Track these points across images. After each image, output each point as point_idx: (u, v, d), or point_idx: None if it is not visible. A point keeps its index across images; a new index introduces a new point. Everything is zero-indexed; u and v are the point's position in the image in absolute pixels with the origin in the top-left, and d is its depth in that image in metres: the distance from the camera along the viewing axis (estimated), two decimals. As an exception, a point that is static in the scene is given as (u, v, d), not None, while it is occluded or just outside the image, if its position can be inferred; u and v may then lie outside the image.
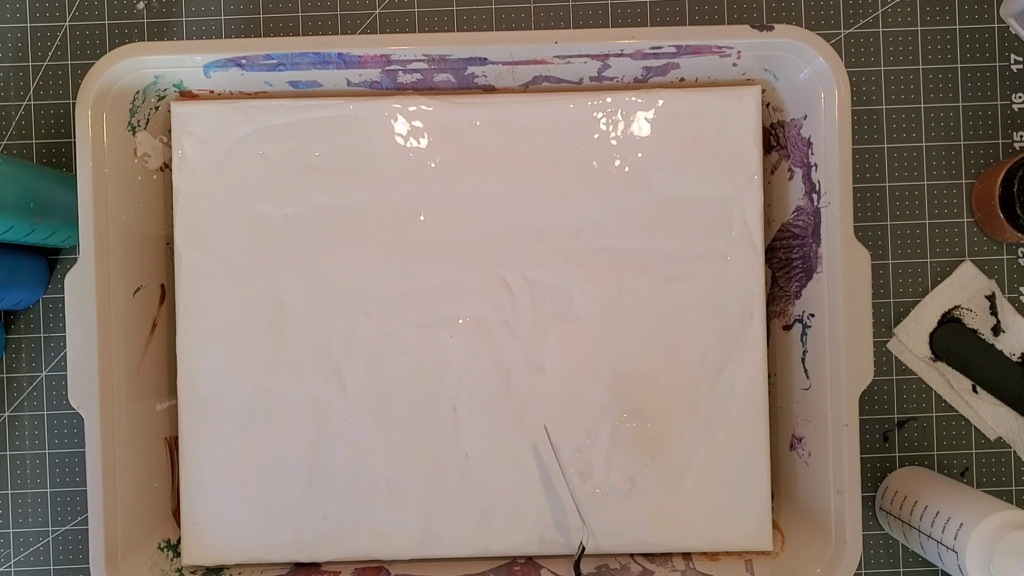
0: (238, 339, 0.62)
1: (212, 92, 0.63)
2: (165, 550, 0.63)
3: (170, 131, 0.63)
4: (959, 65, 0.68)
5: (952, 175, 0.68)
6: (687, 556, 0.63)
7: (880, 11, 0.68)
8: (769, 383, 0.64)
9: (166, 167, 0.65)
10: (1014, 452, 0.67)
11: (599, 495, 0.62)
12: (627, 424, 0.62)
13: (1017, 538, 0.54)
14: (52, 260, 0.68)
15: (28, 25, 0.68)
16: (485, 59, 0.60)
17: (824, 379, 0.59)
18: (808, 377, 0.61)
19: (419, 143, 0.63)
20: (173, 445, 0.65)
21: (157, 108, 0.63)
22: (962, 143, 0.68)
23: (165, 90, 0.62)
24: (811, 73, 0.59)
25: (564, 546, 0.62)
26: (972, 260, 0.67)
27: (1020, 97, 0.68)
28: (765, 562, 0.62)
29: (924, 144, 0.68)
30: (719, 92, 0.62)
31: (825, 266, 0.59)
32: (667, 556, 0.63)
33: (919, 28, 0.68)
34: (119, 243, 0.60)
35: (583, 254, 0.62)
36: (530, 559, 0.63)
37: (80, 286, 0.58)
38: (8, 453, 0.68)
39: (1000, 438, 0.67)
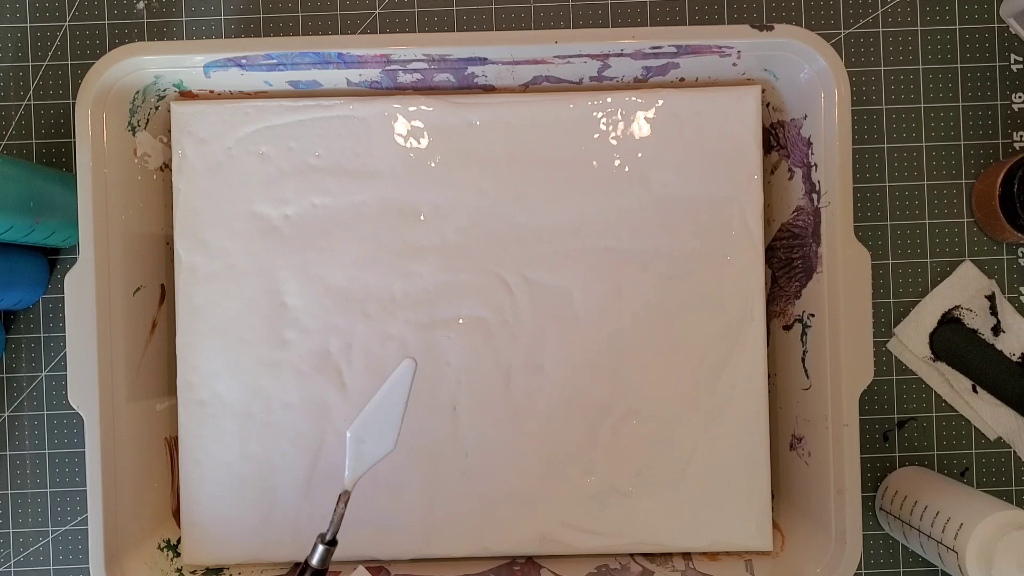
0: (238, 339, 0.62)
1: (212, 92, 0.63)
2: (165, 550, 0.63)
3: (170, 131, 0.63)
4: (959, 65, 0.68)
5: (952, 175, 0.68)
6: (687, 556, 0.63)
7: (880, 11, 0.68)
8: (769, 383, 0.64)
9: (166, 167, 0.65)
10: (1014, 452, 0.67)
11: (599, 495, 0.62)
12: (627, 424, 0.62)
13: (1017, 538, 0.54)
14: (52, 260, 0.68)
15: (28, 25, 0.68)
16: (485, 59, 0.60)
17: (824, 379, 0.59)
18: (808, 377, 0.61)
19: (419, 143, 0.63)
20: (173, 445, 0.65)
21: (157, 108, 0.63)
22: (962, 143, 0.68)
23: (165, 90, 0.62)
24: (811, 73, 0.59)
25: (564, 546, 0.62)
26: (972, 260, 0.67)
27: (1020, 97, 0.68)
28: (765, 562, 0.62)
29: (924, 144, 0.68)
30: (719, 92, 0.62)
31: (825, 266, 0.59)
32: (667, 556, 0.63)
33: (919, 28, 0.68)
34: (119, 243, 0.60)
35: (583, 254, 0.62)
36: (530, 559, 0.63)
37: (80, 286, 0.58)
38: (8, 453, 0.68)
39: (1000, 438, 0.67)
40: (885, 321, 0.68)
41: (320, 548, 0.53)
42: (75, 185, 0.59)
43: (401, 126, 0.63)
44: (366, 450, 0.54)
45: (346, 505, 0.54)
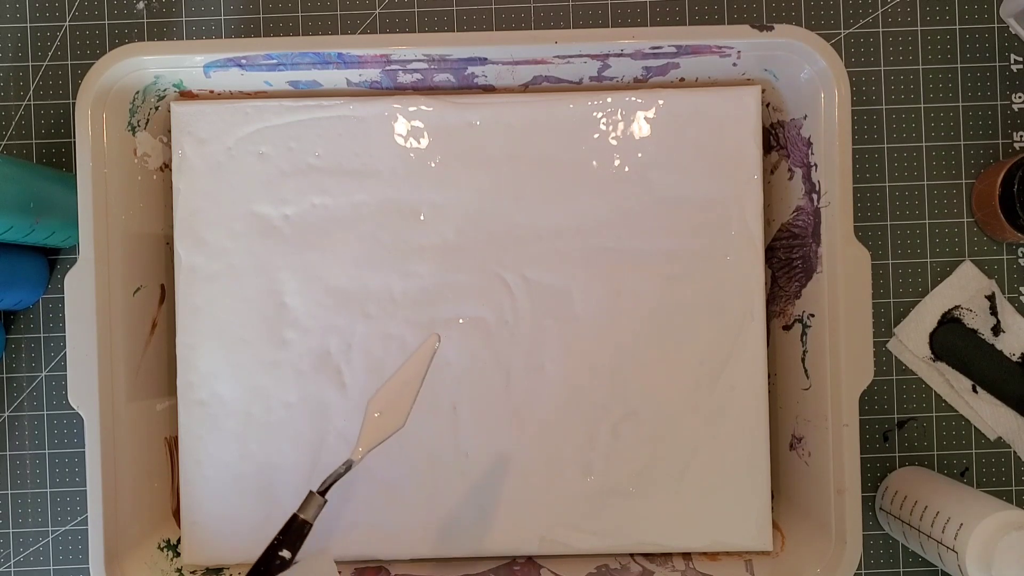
0: (238, 339, 0.62)
1: (212, 92, 0.63)
2: (165, 550, 0.63)
3: (170, 131, 0.63)
4: (959, 65, 0.68)
5: (952, 175, 0.68)
6: (687, 556, 0.63)
7: (880, 11, 0.68)
8: (769, 383, 0.64)
9: (166, 167, 0.65)
10: (1014, 452, 0.67)
11: (599, 495, 0.62)
12: (627, 424, 0.62)
13: (1017, 538, 0.54)
14: (52, 260, 0.68)
15: (28, 25, 0.68)
16: (485, 59, 0.60)
17: (824, 379, 0.59)
18: (808, 377, 0.61)
19: (419, 143, 0.63)
20: (173, 445, 0.65)
21: (157, 108, 0.63)
22: (962, 143, 0.68)
23: (165, 90, 0.62)
24: (811, 73, 0.59)
25: (564, 546, 0.62)
26: (972, 260, 0.67)
27: (1020, 97, 0.68)
28: (765, 562, 0.62)
29: (924, 144, 0.68)
30: (719, 92, 0.62)
31: (825, 266, 0.59)
32: (667, 556, 0.63)
33: (919, 28, 0.68)
34: (119, 243, 0.60)
35: (583, 254, 0.62)
36: (530, 559, 0.63)
37: (80, 286, 0.58)
38: (8, 453, 0.68)
39: (1000, 438, 0.67)
40: (885, 321, 0.68)
41: (316, 499, 0.52)
42: (75, 185, 0.59)
43: (401, 126, 0.63)
44: (381, 423, 0.53)
45: (347, 471, 0.53)
